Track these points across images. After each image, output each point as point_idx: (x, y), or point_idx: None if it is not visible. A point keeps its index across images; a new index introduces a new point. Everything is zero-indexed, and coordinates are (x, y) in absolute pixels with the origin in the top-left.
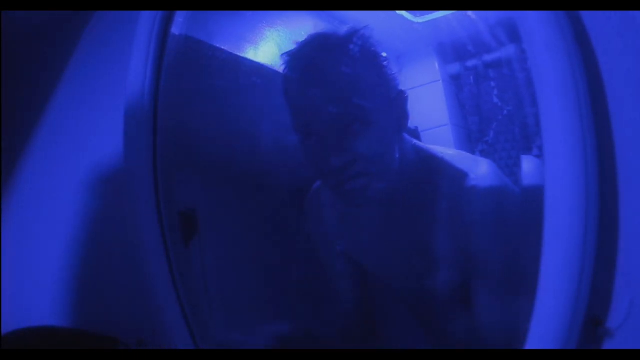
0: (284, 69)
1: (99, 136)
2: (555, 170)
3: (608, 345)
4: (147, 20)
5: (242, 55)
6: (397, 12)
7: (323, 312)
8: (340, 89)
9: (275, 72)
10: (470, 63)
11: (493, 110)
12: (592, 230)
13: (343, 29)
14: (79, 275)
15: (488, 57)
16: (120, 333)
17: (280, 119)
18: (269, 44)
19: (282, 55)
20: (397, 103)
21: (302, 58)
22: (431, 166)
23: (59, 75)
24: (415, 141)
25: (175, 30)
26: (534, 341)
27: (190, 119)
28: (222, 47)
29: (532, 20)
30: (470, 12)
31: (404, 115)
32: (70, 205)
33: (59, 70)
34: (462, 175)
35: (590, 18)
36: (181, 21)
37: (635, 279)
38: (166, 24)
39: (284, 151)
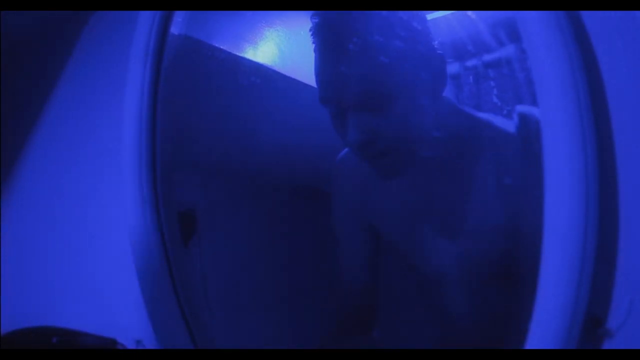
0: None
1: (97, 136)
2: (555, 170)
3: (608, 345)
4: (146, 19)
5: (242, 55)
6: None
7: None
8: (359, 61)
9: (274, 72)
10: (470, 63)
11: (493, 110)
12: (592, 230)
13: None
14: (77, 275)
15: (488, 57)
16: (119, 333)
17: (280, 118)
18: (268, 44)
19: (311, 17)
20: (432, 67)
21: (322, 23)
22: (474, 131)
23: (58, 75)
24: (457, 105)
25: (174, 29)
26: (534, 341)
27: (189, 119)
28: (222, 47)
29: (532, 20)
30: (470, 12)
31: (440, 79)
32: (68, 206)
33: (58, 70)
34: (510, 139)
35: (590, 18)
36: (180, 21)
37: (635, 279)
38: (165, 23)
39: (284, 151)
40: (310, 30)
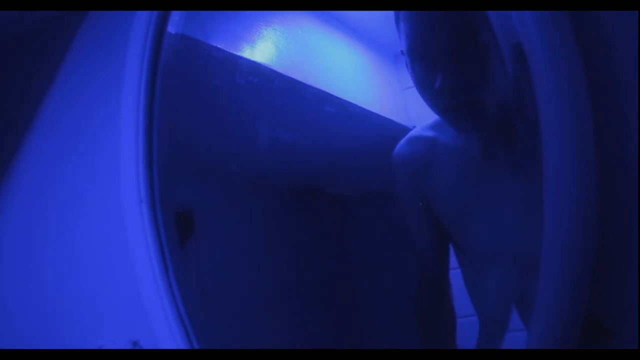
0: None
1: (94, 136)
2: (555, 170)
3: (608, 346)
4: (142, 18)
5: (239, 54)
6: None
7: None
8: (458, 15)
9: (272, 71)
10: None
11: None
12: (592, 231)
13: None
14: (74, 275)
15: None
16: (116, 334)
17: (278, 118)
18: (266, 43)
19: None
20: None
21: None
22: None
23: (55, 75)
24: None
25: (171, 29)
26: (534, 342)
27: (187, 118)
28: (219, 46)
29: (531, 20)
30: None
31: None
32: (65, 206)
33: (55, 70)
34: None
35: (591, 17)
36: (177, 20)
37: (635, 280)
38: (162, 22)
39: (282, 151)
40: None
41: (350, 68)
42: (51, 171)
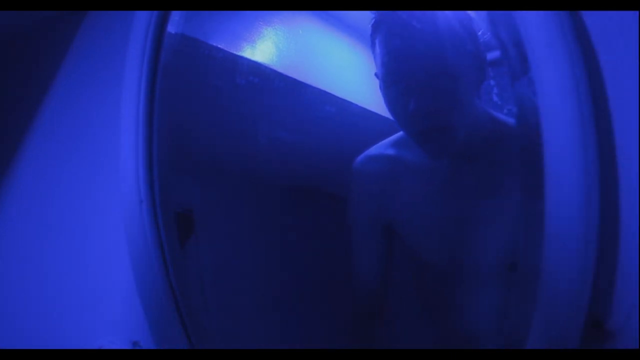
0: (375, 18)
1: (94, 136)
2: (555, 170)
3: (608, 347)
4: (142, 18)
5: (239, 54)
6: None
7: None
8: (432, 41)
9: (272, 71)
10: None
11: (493, 108)
12: (593, 231)
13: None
14: (73, 275)
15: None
16: (115, 334)
17: (278, 118)
18: (266, 43)
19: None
20: (478, 63)
21: (384, 19)
22: (502, 133)
23: (55, 75)
24: (485, 107)
25: (171, 28)
26: (534, 343)
27: (187, 118)
28: (219, 46)
29: (532, 19)
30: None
31: (481, 76)
32: (64, 206)
33: (55, 70)
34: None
35: (591, 17)
36: (177, 19)
37: (637, 281)
38: (162, 22)
39: (282, 151)
40: (372, 24)
41: (351, 68)
42: (51, 171)
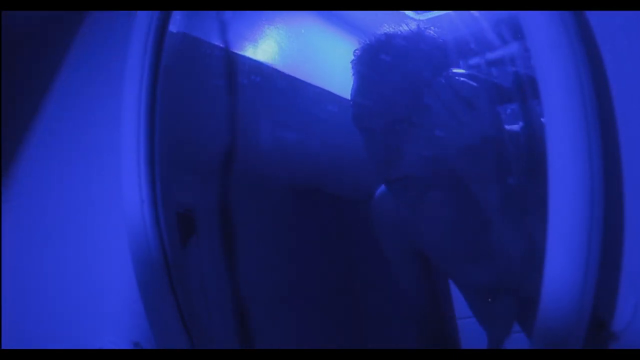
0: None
1: (96, 136)
2: (559, 170)
3: (613, 347)
4: (144, 18)
5: (242, 53)
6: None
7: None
8: (389, 90)
9: (274, 70)
10: (472, 61)
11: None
12: (597, 232)
13: (408, 28)
14: (76, 276)
15: (491, 55)
16: (116, 335)
17: (280, 117)
18: (268, 42)
19: (354, 51)
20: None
21: (360, 57)
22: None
23: (55, 75)
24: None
25: (172, 27)
26: (538, 343)
27: (188, 118)
28: (221, 45)
29: (535, 19)
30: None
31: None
32: (66, 206)
33: (55, 70)
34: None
35: (595, 16)
36: (179, 18)
37: None
38: (163, 21)
39: (284, 151)
40: (351, 62)
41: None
42: (52, 172)
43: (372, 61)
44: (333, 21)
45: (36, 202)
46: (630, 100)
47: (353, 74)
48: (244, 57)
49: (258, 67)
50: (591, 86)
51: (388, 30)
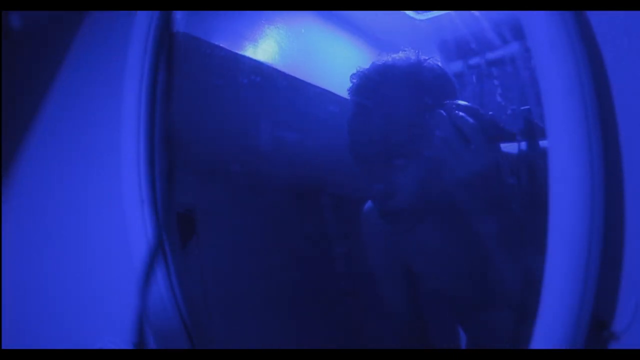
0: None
1: (96, 136)
2: (560, 170)
3: (614, 347)
4: (144, 17)
5: (241, 52)
6: None
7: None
8: (387, 124)
9: (274, 70)
10: (473, 61)
11: (496, 109)
12: (597, 232)
13: (404, 60)
14: (75, 276)
15: (491, 55)
16: (117, 336)
17: (280, 118)
18: (269, 42)
19: (351, 76)
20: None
21: (358, 87)
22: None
23: (55, 75)
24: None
25: (172, 27)
26: (539, 343)
27: (189, 118)
28: (221, 45)
29: (536, 19)
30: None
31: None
32: (66, 207)
33: (55, 70)
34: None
35: (596, 16)
36: (179, 18)
37: None
38: (164, 21)
39: (284, 151)
40: (348, 90)
41: (353, 67)
42: (51, 172)
43: (369, 91)
44: (333, 21)
45: (36, 202)
46: (631, 100)
47: (350, 103)
48: (244, 57)
49: (258, 67)
50: (592, 86)
51: (386, 58)
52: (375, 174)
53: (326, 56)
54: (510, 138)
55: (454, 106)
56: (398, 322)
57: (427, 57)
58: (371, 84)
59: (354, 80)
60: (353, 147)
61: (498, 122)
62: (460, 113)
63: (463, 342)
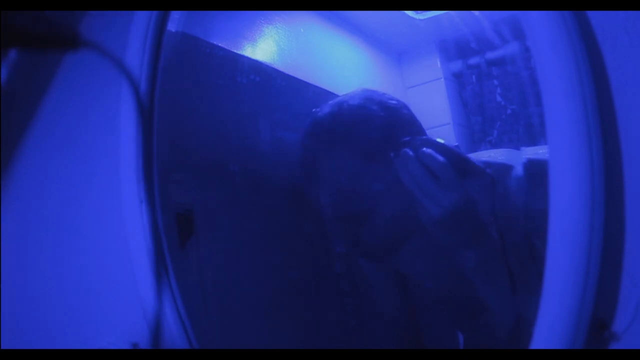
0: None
1: (94, 136)
2: (560, 170)
3: (614, 347)
4: (143, 16)
5: (240, 52)
6: None
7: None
8: (343, 179)
9: (273, 70)
10: (473, 61)
11: (496, 109)
12: (598, 232)
13: (357, 104)
14: (74, 276)
15: (491, 55)
16: (115, 336)
17: (278, 117)
18: (268, 41)
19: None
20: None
21: (311, 132)
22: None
23: (54, 75)
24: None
25: (171, 26)
26: (539, 343)
27: (187, 118)
28: (220, 44)
29: (536, 19)
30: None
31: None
32: (64, 207)
33: (55, 70)
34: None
35: (596, 15)
36: (177, 18)
37: None
38: (162, 20)
39: (282, 150)
40: (301, 136)
41: (353, 66)
42: (50, 171)
43: (323, 137)
44: (333, 21)
45: (36, 203)
46: (631, 100)
47: (301, 148)
48: (243, 56)
49: (257, 67)
50: (592, 86)
51: (342, 99)
52: (341, 228)
53: (326, 56)
54: (480, 172)
55: (419, 142)
56: (392, 324)
57: (387, 97)
58: (324, 128)
59: (307, 128)
60: (334, 204)
61: (466, 156)
62: (428, 150)
63: (462, 344)
